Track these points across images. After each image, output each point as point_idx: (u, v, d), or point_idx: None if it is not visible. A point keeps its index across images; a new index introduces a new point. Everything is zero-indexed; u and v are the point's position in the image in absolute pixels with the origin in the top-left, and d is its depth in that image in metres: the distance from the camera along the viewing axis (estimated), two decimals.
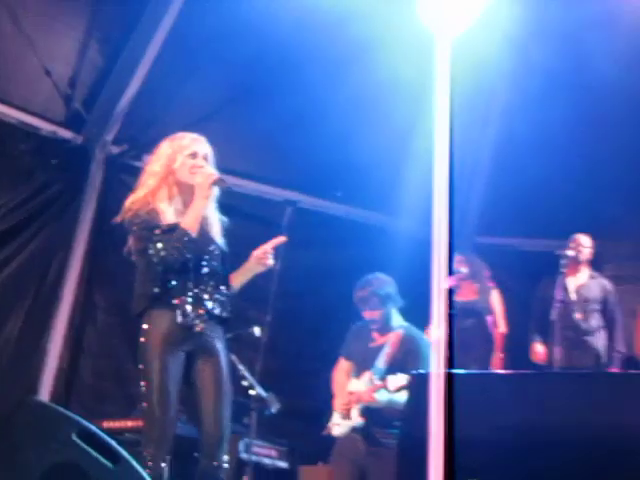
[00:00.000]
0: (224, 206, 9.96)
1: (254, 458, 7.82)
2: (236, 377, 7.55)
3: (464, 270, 9.60)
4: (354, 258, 9.52)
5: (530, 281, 10.13)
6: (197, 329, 5.67)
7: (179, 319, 5.58)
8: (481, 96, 9.52)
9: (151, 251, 5.62)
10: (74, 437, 5.31)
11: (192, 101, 10.10)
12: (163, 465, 5.52)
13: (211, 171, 5.83)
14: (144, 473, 5.50)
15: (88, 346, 9.59)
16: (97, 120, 9.69)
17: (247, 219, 9.70)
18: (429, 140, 3.77)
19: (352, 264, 8.80)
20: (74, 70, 9.50)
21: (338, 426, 7.79)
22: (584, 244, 9.35)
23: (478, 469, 4.73)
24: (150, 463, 5.45)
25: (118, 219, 5.83)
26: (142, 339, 5.63)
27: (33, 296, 9.28)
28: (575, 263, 9.33)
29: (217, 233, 6.05)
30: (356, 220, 11.31)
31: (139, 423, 8.12)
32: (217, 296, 5.82)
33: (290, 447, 8.84)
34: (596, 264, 9.58)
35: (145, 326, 5.63)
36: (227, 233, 9.61)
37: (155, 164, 5.99)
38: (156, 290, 5.66)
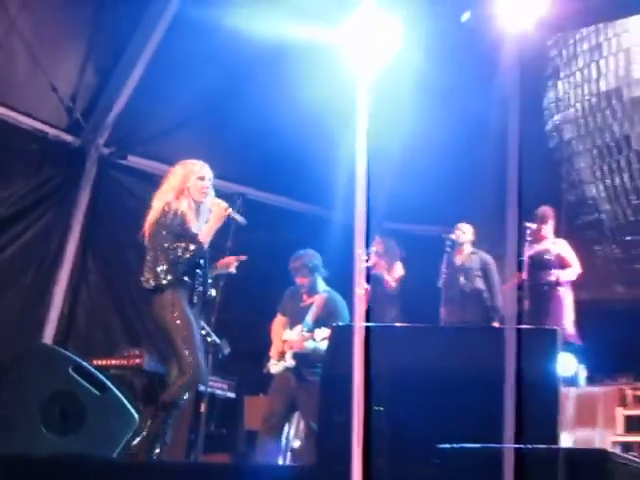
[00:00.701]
0: None
1: (209, 390, 7.81)
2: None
3: (375, 249, 9.68)
4: (291, 239, 9.50)
5: (422, 258, 10.18)
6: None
7: (195, 299, 6.04)
8: (390, 117, 9.63)
9: (179, 252, 5.90)
10: (70, 371, 5.38)
11: (167, 115, 10.15)
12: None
13: (225, 204, 6.20)
14: (124, 400, 5.60)
15: (82, 302, 9.58)
16: (92, 128, 9.67)
17: None
18: (352, 149, 3.86)
19: (289, 244, 8.80)
20: (75, 88, 9.52)
21: (275, 366, 7.86)
22: (465, 230, 9.44)
23: (383, 400, 4.80)
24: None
25: (157, 215, 6.06)
26: (172, 313, 5.83)
27: (39, 262, 9.27)
28: (459, 244, 9.43)
29: None
30: (294, 210, 11.39)
31: (121, 361, 8.23)
32: (209, 282, 6.23)
33: (238, 382, 8.89)
34: (475, 244, 9.66)
35: (168, 302, 5.86)
36: None
37: (172, 180, 6.22)
38: (178, 277, 5.91)
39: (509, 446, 3.03)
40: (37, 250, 9.27)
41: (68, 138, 9.60)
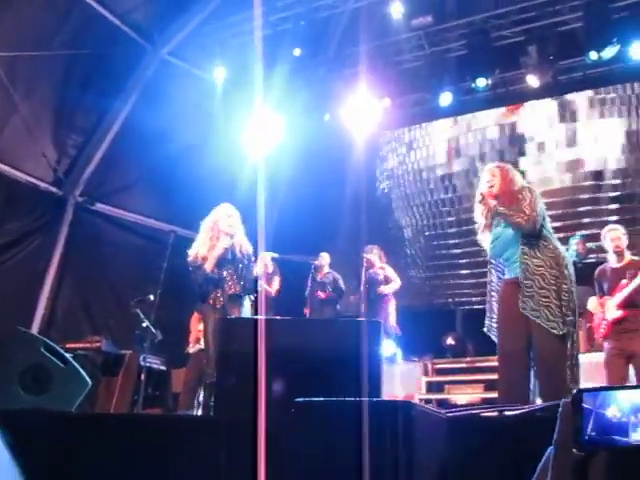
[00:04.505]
0: (142, 235, 9.74)
1: (148, 364, 7.49)
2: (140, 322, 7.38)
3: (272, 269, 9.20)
4: None
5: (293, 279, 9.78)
6: None
7: None
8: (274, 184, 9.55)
9: None
10: (42, 349, 5.03)
11: (124, 176, 9.94)
12: None
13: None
14: (82, 371, 5.21)
15: (60, 304, 9.10)
16: (71, 183, 9.40)
17: (148, 240, 9.76)
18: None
19: None
20: (59, 155, 9.29)
21: (192, 348, 7.63)
22: (324, 257, 9.07)
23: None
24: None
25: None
26: None
27: (31, 274, 8.86)
28: (320, 267, 9.05)
29: None
30: None
31: (86, 344, 7.80)
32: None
33: (167, 359, 8.50)
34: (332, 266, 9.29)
35: None
36: (138, 249, 9.44)
37: (208, 220, 6.04)
38: None
39: (341, 400, 2.84)
40: (29, 265, 8.82)
41: (54, 189, 9.28)
